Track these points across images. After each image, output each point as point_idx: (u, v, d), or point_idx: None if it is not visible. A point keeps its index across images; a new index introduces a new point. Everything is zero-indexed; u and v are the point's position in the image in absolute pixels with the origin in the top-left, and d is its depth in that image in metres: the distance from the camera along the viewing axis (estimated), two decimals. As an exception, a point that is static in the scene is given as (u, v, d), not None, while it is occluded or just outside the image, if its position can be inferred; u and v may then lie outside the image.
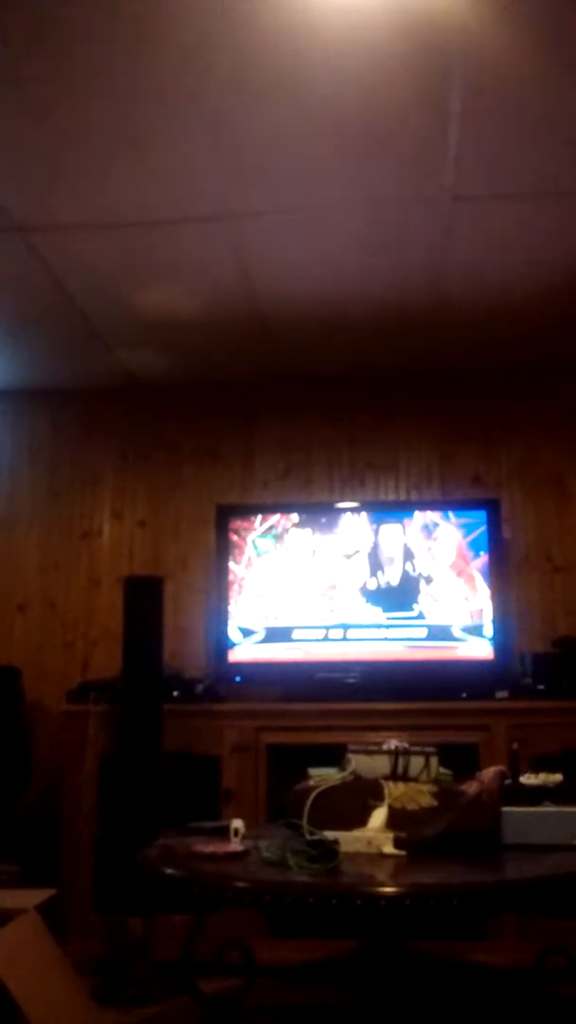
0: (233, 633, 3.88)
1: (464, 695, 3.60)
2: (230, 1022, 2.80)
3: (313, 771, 2.68)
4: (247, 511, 4.05)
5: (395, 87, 2.39)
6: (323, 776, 2.61)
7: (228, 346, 4.00)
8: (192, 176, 2.77)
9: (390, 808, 2.43)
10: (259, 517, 4.00)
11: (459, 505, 3.96)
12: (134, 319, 3.72)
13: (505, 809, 2.41)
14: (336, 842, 2.22)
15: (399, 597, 3.83)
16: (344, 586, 3.88)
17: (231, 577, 3.94)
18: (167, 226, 3.05)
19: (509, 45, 2.23)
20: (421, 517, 3.91)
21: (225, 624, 3.90)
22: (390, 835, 2.34)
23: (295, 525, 3.97)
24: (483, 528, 3.85)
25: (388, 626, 3.81)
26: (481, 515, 3.88)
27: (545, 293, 3.51)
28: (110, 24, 2.17)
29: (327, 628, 3.84)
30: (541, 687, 3.56)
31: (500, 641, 3.75)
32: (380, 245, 3.20)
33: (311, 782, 2.57)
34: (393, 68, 2.32)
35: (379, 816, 2.41)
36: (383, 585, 3.86)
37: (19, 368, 4.24)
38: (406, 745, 2.63)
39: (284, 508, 4.05)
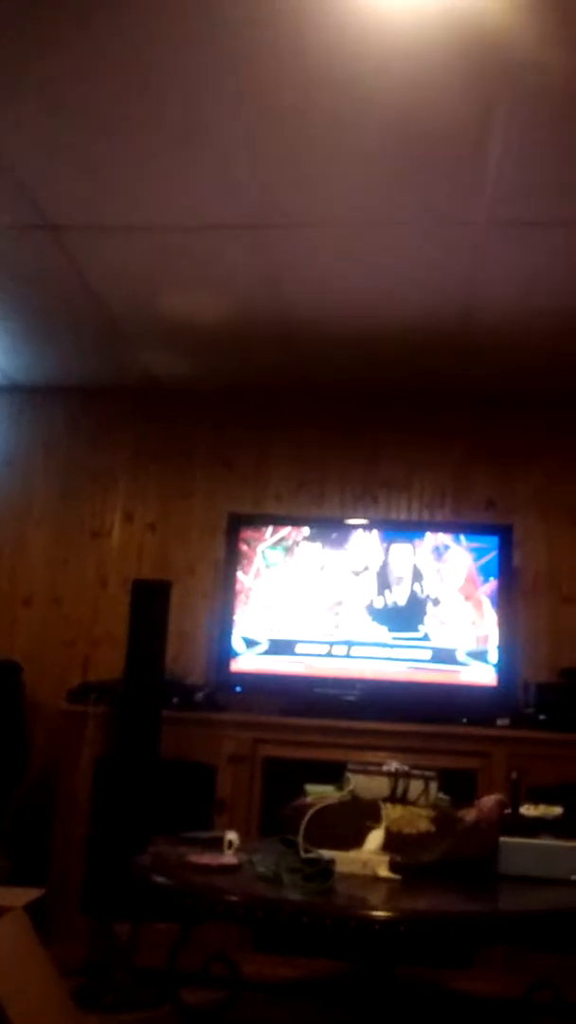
0: (236, 643, 3.87)
1: (465, 720, 3.58)
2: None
3: (310, 788, 2.67)
4: (258, 521, 4.04)
5: (440, 106, 2.38)
6: (320, 793, 2.60)
7: (251, 354, 3.99)
8: (228, 183, 2.77)
9: (387, 831, 2.42)
10: (270, 528, 3.99)
11: (471, 529, 3.94)
12: (159, 321, 3.71)
13: (503, 839, 2.39)
14: (332, 862, 2.20)
15: (405, 617, 3.81)
16: (351, 603, 3.86)
17: (238, 586, 3.93)
18: (199, 231, 3.05)
19: (561, 71, 2.22)
20: (432, 538, 3.89)
21: (229, 633, 3.88)
22: (386, 858, 2.33)
23: (305, 539, 3.96)
24: (494, 554, 3.83)
25: (393, 645, 3.79)
26: (493, 540, 3.86)
27: (572, 322, 3.50)
28: (152, 27, 2.16)
29: (331, 644, 3.82)
30: (543, 717, 3.53)
31: (504, 668, 3.73)
32: (411, 264, 3.19)
33: (308, 799, 2.56)
34: (439, 87, 2.31)
35: (376, 838, 2.40)
36: (390, 604, 3.84)
37: (40, 364, 4.24)
38: (406, 768, 2.61)
39: (295, 521, 4.04)
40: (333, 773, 2.74)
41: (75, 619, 4.27)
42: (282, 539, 3.97)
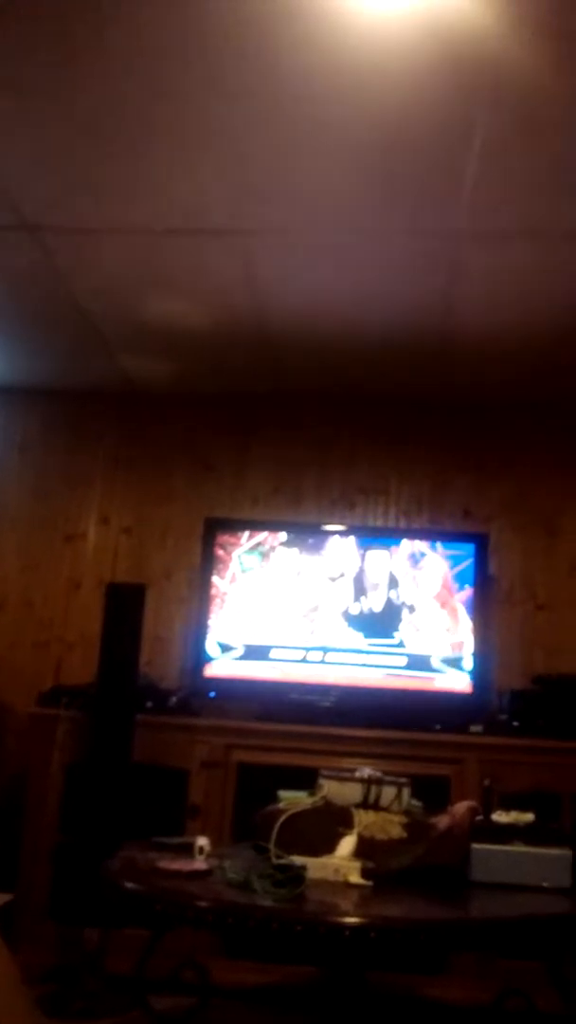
0: (211, 647, 3.85)
1: (439, 727, 3.58)
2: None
3: (283, 794, 2.66)
4: (235, 526, 4.02)
5: (418, 116, 2.39)
6: (293, 799, 2.59)
7: (230, 359, 3.98)
8: (207, 189, 2.76)
9: (359, 837, 2.41)
10: (246, 533, 3.98)
11: (448, 537, 3.96)
12: (138, 325, 3.70)
13: (475, 846, 2.39)
14: (303, 868, 2.19)
15: (381, 624, 3.81)
16: (326, 609, 3.86)
17: (214, 591, 3.91)
18: (179, 236, 3.04)
19: (537, 84, 2.23)
20: (409, 545, 3.90)
21: (204, 638, 3.87)
22: (357, 864, 2.32)
23: (282, 544, 3.95)
24: (470, 561, 3.84)
25: (368, 652, 3.79)
26: (469, 548, 3.87)
27: (550, 332, 3.52)
28: (135, 33, 2.16)
29: (306, 650, 3.81)
30: (516, 724, 3.54)
31: (479, 675, 3.74)
32: (389, 272, 3.20)
33: (281, 805, 2.55)
34: (419, 98, 2.32)
35: (348, 844, 2.39)
36: (366, 611, 3.84)
37: (15, 365, 4.21)
38: (379, 774, 2.61)
39: (272, 526, 4.03)
40: (307, 779, 2.73)
41: (47, 622, 4.24)
42: (259, 544, 3.96)
